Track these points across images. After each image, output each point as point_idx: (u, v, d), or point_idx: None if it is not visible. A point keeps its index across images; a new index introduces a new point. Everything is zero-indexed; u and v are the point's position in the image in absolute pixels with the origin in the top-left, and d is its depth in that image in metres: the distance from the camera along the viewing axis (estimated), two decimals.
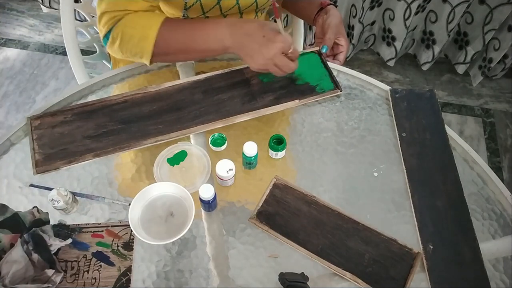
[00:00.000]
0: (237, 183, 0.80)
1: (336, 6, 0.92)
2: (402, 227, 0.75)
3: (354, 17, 1.76)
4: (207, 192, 0.71)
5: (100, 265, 0.70)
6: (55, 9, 2.13)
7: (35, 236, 0.66)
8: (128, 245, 0.72)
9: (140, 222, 0.73)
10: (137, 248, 0.73)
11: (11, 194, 0.77)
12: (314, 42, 1.00)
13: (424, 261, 0.71)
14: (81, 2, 1.10)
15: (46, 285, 0.64)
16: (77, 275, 0.69)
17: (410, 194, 0.78)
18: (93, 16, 1.15)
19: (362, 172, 0.82)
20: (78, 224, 0.74)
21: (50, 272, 0.65)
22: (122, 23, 0.78)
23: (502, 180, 1.30)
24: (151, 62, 0.81)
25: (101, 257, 0.71)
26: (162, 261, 0.72)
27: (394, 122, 0.87)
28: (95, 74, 1.13)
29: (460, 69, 1.90)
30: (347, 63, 1.94)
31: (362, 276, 0.69)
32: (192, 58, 0.91)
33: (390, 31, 1.82)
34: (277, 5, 0.87)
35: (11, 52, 2.01)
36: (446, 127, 0.86)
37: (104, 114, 0.82)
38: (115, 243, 0.72)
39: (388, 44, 1.88)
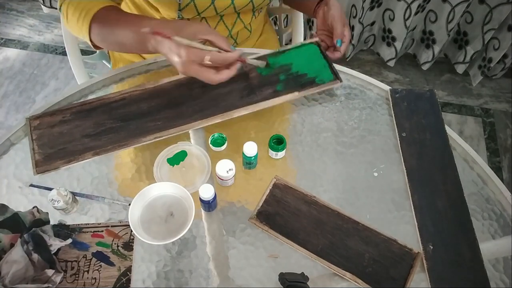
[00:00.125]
0: (237, 183, 0.80)
1: None
2: (402, 227, 0.75)
3: (354, 17, 1.76)
4: (207, 192, 0.71)
5: (100, 265, 0.70)
6: (56, 8, 2.13)
7: (35, 236, 0.66)
8: (128, 245, 0.72)
9: (140, 222, 0.73)
10: (137, 248, 0.73)
11: (11, 194, 0.77)
12: (313, 34, 0.99)
13: (424, 261, 0.71)
14: None
15: (46, 285, 0.64)
16: (77, 275, 0.69)
17: (410, 194, 0.78)
18: None
19: (362, 172, 0.82)
20: (78, 224, 0.74)
21: (50, 272, 0.65)
22: (68, 1, 0.79)
23: (502, 180, 1.30)
24: (95, 47, 0.82)
25: (101, 257, 0.71)
26: (162, 261, 0.72)
27: (394, 122, 0.87)
28: (95, 74, 1.13)
29: (460, 68, 1.90)
30: (347, 63, 1.95)
31: (362, 276, 0.69)
32: (126, 49, 0.85)
33: (390, 31, 1.82)
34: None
35: (11, 52, 2.01)
36: (446, 127, 0.86)
37: (102, 112, 0.82)
38: (115, 243, 0.72)
39: (388, 45, 1.88)
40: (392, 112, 0.89)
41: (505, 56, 1.77)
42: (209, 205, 0.73)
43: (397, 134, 0.86)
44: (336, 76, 0.88)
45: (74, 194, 0.76)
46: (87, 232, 0.73)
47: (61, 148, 0.77)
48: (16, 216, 0.69)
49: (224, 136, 0.83)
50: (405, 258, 0.71)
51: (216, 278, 0.70)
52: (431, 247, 0.72)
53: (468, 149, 0.84)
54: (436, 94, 0.91)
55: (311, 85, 0.86)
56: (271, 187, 0.78)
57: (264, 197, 0.77)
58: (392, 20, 1.77)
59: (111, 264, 0.70)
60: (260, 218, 0.75)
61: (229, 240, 0.74)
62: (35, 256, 0.65)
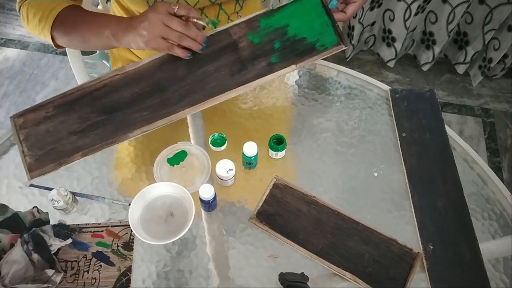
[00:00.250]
0: (237, 183, 0.80)
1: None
2: (402, 227, 0.75)
3: (354, 17, 1.75)
4: (207, 192, 0.71)
5: (100, 265, 0.70)
6: None
7: (35, 236, 0.66)
8: (128, 245, 0.72)
9: (140, 222, 0.73)
10: (137, 248, 0.73)
11: (11, 194, 0.77)
12: None
13: (424, 261, 0.71)
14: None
15: (46, 285, 0.64)
16: (77, 275, 0.69)
17: (410, 194, 0.78)
18: None
19: (362, 172, 0.82)
20: (78, 224, 0.74)
21: (50, 272, 0.65)
22: (28, 3, 0.77)
23: (502, 180, 1.29)
24: (57, 46, 0.80)
25: (101, 257, 0.71)
26: (162, 261, 0.72)
27: (394, 122, 0.87)
28: (95, 74, 1.13)
29: (460, 69, 1.90)
30: (347, 63, 1.94)
31: (362, 276, 0.69)
32: (90, 44, 0.80)
33: (390, 31, 1.82)
34: None
35: (11, 52, 2.01)
36: (446, 127, 0.86)
37: (85, 104, 0.75)
38: (115, 243, 0.72)
39: (388, 45, 1.88)
40: (392, 112, 0.89)
41: (505, 56, 1.77)
42: (209, 205, 0.73)
43: (397, 134, 0.85)
44: (340, 38, 0.74)
45: (74, 194, 0.76)
46: (87, 232, 0.73)
47: (50, 149, 0.73)
48: (16, 216, 0.69)
49: (224, 136, 0.83)
50: (405, 258, 0.71)
51: (216, 278, 0.70)
52: (431, 247, 0.72)
53: (468, 149, 0.84)
54: (436, 94, 0.91)
55: (311, 53, 0.74)
56: (271, 187, 0.78)
57: (264, 197, 0.77)
58: (392, 20, 1.77)
59: (111, 264, 0.70)
60: (260, 218, 0.75)
61: (229, 240, 0.74)
62: (35, 256, 0.65)
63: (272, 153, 0.81)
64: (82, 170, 0.81)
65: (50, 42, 0.78)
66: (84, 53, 1.11)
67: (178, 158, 0.81)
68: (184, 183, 0.78)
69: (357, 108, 0.91)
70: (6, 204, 0.70)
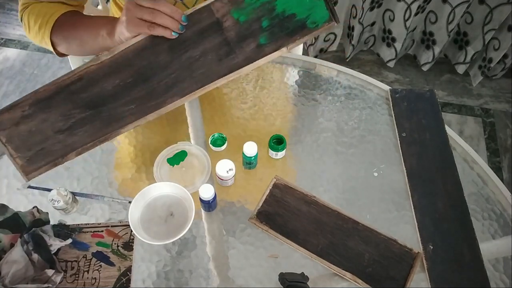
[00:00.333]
0: (237, 183, 0.80)
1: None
2: (402, 227, 0.75)
3: (354, 17, 1.76)
4: (207, 192, 0.71)
5: (100, 265, 0.70)
6: None
7: (35, 236, 0.66)
8: (128, 245, 0.72)
9: (140, 222, 0.73)
10: (137, 248, 0.73)
11: (11, 194, 0.77)
12: None
13: (424, 261, 0.71)
14: None
15: (46, 285, 0.64)
16: (77, 275, 0.69)
17: (410, 194, 0.78)
18: None
19: (362, 172, 0.82)
20: (78, 224, 0.74)
21: (50, 272, 0.65)
22: (28, 10, 0.77)
23: (502, 180, 1.29)
24: (59, 54, 0.80)
25: (101, 257, 0.71)
26: (162, 261, 0.72)
27: (394, 122, 0.87)
28: None
29: (461, 69, 1.90)
30: (347, 63, 1.94)
31: (362, 276, 0.69)
32: (86, 48, 0.79)
33: (390, 32, 1.82)
34: None
35: (11, 52, 2.01)
36: (446, 127, 0.86)
37: (64, 100, 0.71)
38: (115, 243, 0.72)
39: (388, 45, 1.88)
40: (392, 112, 0.89)
41: (505, 56, 1.77)
42: (209, 205, 0.73)
43: (397, 134, 0.85)
44: (332, 13, 0.69)
45: (74, 194, 0.76)
46: (87, 232, 0.73)
47: (39, 149, 0.71)
48: (16, 216, 0.69)
49: (224, 136, 0.83)
50: (405, 258, 0.71)
51: (216, 278, 0.70)
52: (431, 247, 0.72)
53: (468, 149, 0.84)
54: (436, 94, 0.91)
55: (302, 31, 0.69)
56: (271, 187, 0.78)
57: (264, 197, 0.77)
58: (392, 20, 1.77)
59: (111, 264, 0.70)
60: (260, 218, 0.75)
61: (229, 240, 0.74)
62: (35, 256, 0.65)
63: (272, 153, 0.81)
64: (82, 170, 0.81)
65: (51, 48, 0.78)
66: None
67: (178, 158, 0.81)
68: (184, 183, 0.78)
69: (357, 108, 0.91)
70: (6, 204, 0.70)
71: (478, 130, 1.79)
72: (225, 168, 0.75)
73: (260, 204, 0.76)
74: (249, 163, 0.79)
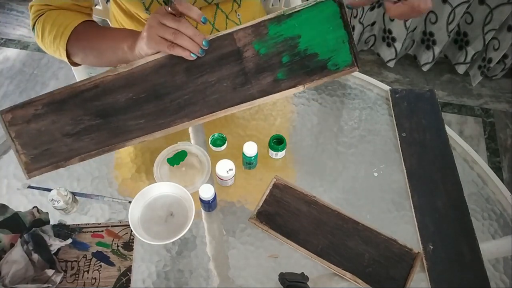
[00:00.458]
0: (237, 183, 0.80)
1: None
2: (402, 227, 0.75)
3: (355, 17, 1.76)
4: (207, 192, 0.71)
5: (100, 265, 0.70)
6: None
7: (35, 236, 0.66)
8: (128, 245, 0.72)
9: (140, 222, 0.73)
10: (137, 248, 0.73)
11: (11, 194, 0.77)
12: None
13: (424, 261, 0.71)
14: None
15: (46, 285, 0.64)
16: (77, 275, 0.69)
17: (410, 194, 0.78)
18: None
19: (362, 172, 0.82)
20: (78, 224, 0.74)
21: (50, 272, 0.65)
22: (42, 18, 0.77)
23: (502, 180, 1.29)
24: (72, 63, 0.79)
25: (101, 257, 0.71)
26: (162, 261, 0.72)
27: (394, 122, 0.87)
28: (94, 75, 1.12)
29: (461, 69, 1.90)
30: None
31: (362, 276, 0.69)
32: (104, 59, 0.79)
33: (390, 32, 1.82)
34: None
35: (11, 52, 2.01)
36: (446, 127, 0.86)
37: (76, 105, 0.72)
38: (115, 243, 0.72)
39: (388, 45, 1.88)
40: (392, 112, 0.89)
41: (505, 56, 1.77)
42: (209, 205, 0.73)
43: (397, 134, 0.86)
44: (355, 59, 0.68)
45: (74, 194, 0.76)
46: (87, 232, 0.73)
47: (44, 149, 0.72)
48: (16, 216, 0.69)
49: (224, 136, 0.83)
50: (405, 258, 0.71)
51: (216, 278, 0.70)
52: (431, 247, 0.72)
53: (468, 149, 0.84)
54: (436, 94, 0.91)
55: (321, 72, 0.68)
56: (271, 187, 0.78)
57: (264, 197, 0.77)
58: (392, 20, 1.77)
59: (111, 264, 0.70)
60: (260, 218, 0.75)
61: (229, 240, 0.74)
62: (35, 256, 0.65)
63: (272, 153, 0.81)
64: (82, 170, 0.81)
65: (65, 59, 0.77)
66: None
67: (178, 158, 0.81)
68: (184, 183, 0.78)
69: (357, 108, 0.91)
70: (6, 204, 0.70)
71: (478, 130, 1.79)
72: (225, 168, 0.75)
73: (260, 204, 0.76)
74: (249, 163, 0.79)
